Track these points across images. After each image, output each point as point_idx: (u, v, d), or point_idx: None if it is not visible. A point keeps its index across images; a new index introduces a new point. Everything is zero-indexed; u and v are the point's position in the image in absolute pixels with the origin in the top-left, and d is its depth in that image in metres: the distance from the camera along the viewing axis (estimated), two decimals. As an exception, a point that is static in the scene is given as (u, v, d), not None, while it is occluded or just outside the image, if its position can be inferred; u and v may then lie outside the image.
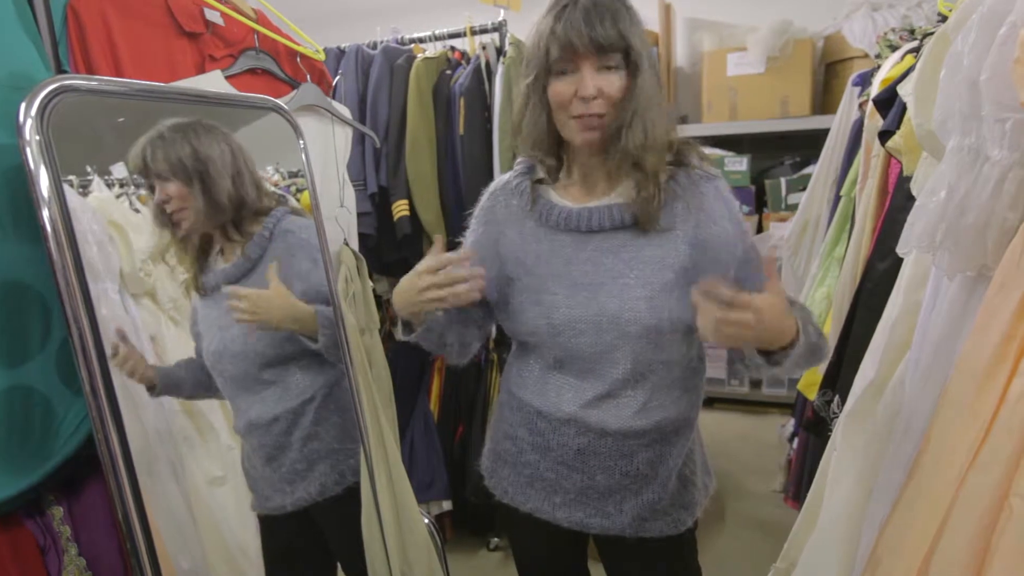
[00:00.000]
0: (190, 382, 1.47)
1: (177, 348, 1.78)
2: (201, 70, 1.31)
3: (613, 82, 0.97)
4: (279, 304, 1.23)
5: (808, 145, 3.38)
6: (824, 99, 3.35)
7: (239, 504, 1.83)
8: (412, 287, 1.00)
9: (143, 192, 2.15)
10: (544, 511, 1.16)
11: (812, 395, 1.74)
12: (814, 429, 1.64)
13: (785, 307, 0.90)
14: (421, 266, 0.99)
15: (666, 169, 1.03)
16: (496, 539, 2.38)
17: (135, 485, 1.01)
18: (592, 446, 1.09)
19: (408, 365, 2.39)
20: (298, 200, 2.03)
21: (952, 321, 0.95)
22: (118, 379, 1.29)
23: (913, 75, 1.04)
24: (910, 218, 0.97)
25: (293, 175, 2.32)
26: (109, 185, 1.91)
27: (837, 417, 1.51)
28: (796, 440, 2.43)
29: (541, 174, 1.10)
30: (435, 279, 0.97)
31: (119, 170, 1.84)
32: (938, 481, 0.81)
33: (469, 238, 1.18)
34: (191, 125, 1.23)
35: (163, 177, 1.23)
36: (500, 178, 1.17)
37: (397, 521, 1.24)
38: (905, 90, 1.06)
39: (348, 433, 1.34)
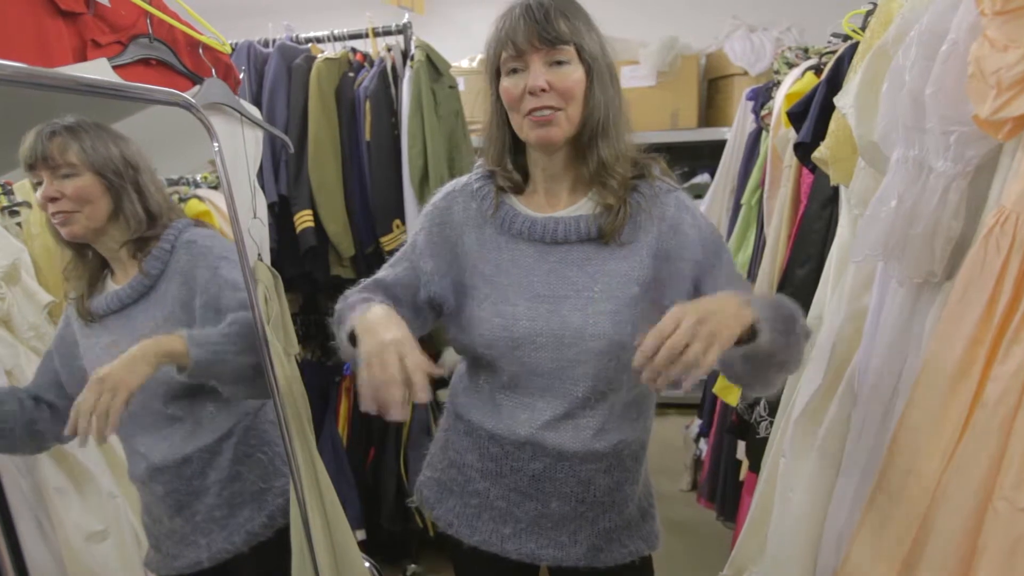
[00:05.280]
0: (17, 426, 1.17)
1: (40, 382, 1.53)
2: (82, 57, 1.12)
3: (566, 76, 0.93)
4: (139, 360, 1.00)
5: (695, 156, 3.55)
6: (708, 113, 3.53)
7: (125, 561, 1.59)
8: (378, 353, 0.82)
9: (-12, 201, 1.83)
10: (492, 543, 1.08)
11: (732, 400, 1.78)
12: (740, 433, 1.68)
13: (700, 304, 0.80)
14: (403, 359, 0.81)
15: (629, 181, 1.00)
16: (414, 566, 2.26)
17: (16, 550, 0.83)
18: (548, 471, 1.03)
19: (313, 387, 2.22)
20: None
21: (900, 326, 0.99)
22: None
23: (852, 88, 1.08)
24: (861, 227, 0.99)
25: (174, 183, 2.08)
26: (-55, 193, 1.61)
27: (764, 420, 1.56)
28: (704, 440, 2.51)
29: (502, 183, 1.03)
30: (397, 383, 0.80)
31: (-43, 176, 1.55)
32: (912, 485, 0.83)
33: (421, 236, 1.08)
34: (106, 127, 1.08)
35: (69, 172, 1.05)
36: (457, 179, 1.10)
37: (335, 567, 1.11)
38: (843, 103, 1.10)
39: (276, 470, 1.19)
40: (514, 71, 0.94)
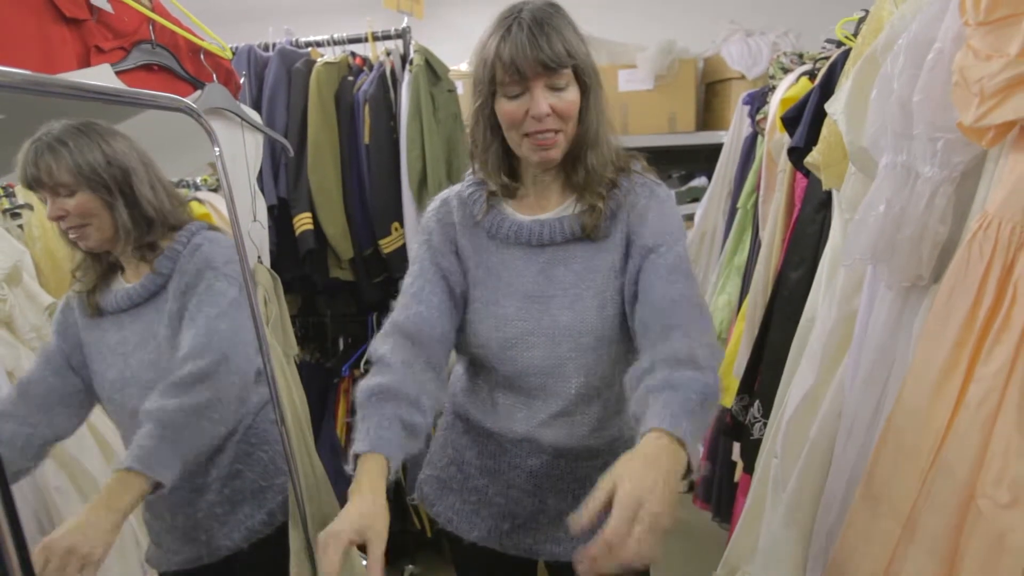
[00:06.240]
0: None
1: (40, 383, 1.54)
2: (85, 63, 1.13)
3: (565, 98, 0.95)
4: (108, 531, 0.93)
5: (692, 160, 3.57)
6: (705, 116, 3.55)
7: (123, 560, 1.60)
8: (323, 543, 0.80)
9: (-10, 204, 1.85)
10: (491, 539, 1.12)
11: (727, 401, 1.80)
12: (734, 434, 1.69)
13: (638, 477, 0.78)
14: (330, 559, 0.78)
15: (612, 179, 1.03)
16: (411, 566, 2.27)
17: (23, 550, 0.83)
18: (545, 467, 1.06)
19: (312, 388, 2.23)
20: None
21: (889, 328, 1.00)
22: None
23: (842, 94, 1.09)
24: (851, 231, 1.01)
25: (174, 186, 2.10)
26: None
27: (758, 422, 1.57)
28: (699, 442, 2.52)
29: (495, 189, 1.05)
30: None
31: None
32: (898, 485, 0.85)
33: (434, 237, 1.08)
34: (90, 127, 1.07)
35: (64, 191, 1.06)
36: (450, 188, 1.12)
37: (333, 567, 1.12)
38: (834, 109, 1.11)
39: (277, 468, 1.20)
40: (513, 95, 0.94)
